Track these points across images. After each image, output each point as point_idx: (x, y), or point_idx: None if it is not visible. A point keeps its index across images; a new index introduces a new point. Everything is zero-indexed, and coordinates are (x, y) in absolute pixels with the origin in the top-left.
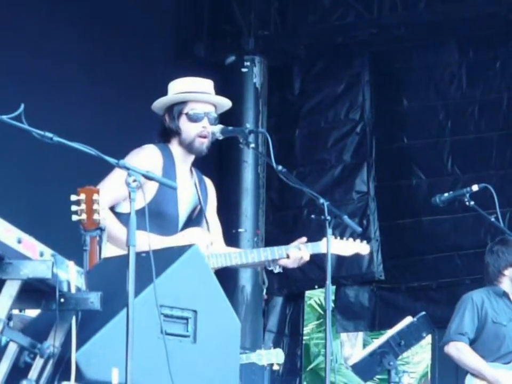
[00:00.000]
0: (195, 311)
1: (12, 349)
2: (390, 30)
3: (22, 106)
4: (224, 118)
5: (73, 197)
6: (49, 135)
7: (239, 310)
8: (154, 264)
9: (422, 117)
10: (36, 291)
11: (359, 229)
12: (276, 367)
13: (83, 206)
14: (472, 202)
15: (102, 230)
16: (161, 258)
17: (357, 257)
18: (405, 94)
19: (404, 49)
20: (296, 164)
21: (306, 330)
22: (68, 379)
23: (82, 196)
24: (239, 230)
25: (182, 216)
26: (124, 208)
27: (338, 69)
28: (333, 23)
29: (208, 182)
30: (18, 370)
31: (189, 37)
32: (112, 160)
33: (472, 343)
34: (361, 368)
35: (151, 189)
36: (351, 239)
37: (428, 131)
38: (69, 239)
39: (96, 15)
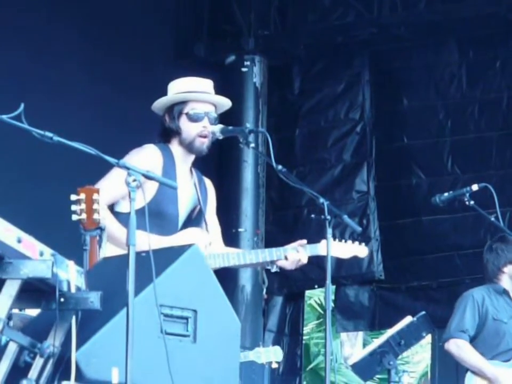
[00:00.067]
0: (195, 311)
1: (12, 349)
2: (390, 30)
3: (22, 105)
4: (224, 118)
5: (73, 197)
6: (49, 134)
7: (239, 309)
8: (154, 263)
9: (422, 117)
10: (35, 291)
11: (359, 229)
12: (274, 365)
13: (83, 206)
14: (472, 202)
15: (102, 229)
16: (161, 257)
17: (356, 258)
18: (405, 93)
19: (404, 49)
20: (296, 164)
21: (306, 329)
22: (68, 379)
23: (82, 196)
24: (239, 229)
25: (182, 216)
26: (123, 208)
27: (338, 69)
28: (333, 23)
29: (208, 183)
30: (18, 370)
31: (189, 37)
32: (112, 159)
33: (472, 340)
34: (361, 368)
35: (151, 188)
36: (349, 242)
37: (428, 131)
38: (68, 238)
39: (96, 15)
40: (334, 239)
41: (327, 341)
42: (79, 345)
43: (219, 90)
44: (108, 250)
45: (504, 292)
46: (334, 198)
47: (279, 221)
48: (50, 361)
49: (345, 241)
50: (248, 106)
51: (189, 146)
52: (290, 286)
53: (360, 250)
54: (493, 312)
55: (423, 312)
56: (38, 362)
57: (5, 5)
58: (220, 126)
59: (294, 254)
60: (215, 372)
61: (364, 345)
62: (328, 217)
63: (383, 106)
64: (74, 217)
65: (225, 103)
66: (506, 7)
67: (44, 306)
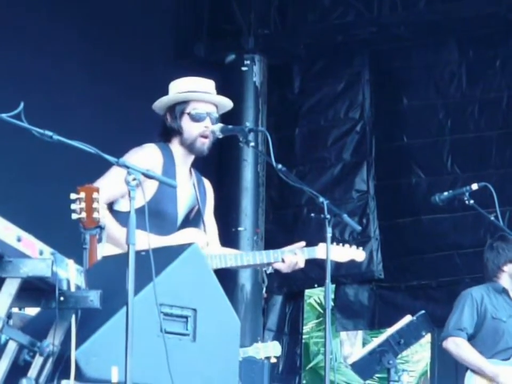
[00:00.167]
0: (195, 310)
1: (12, 347)
2: (390, 29)
3: (22, 104)
4: (224, 117)
5: (73, 195)
6: (49, 133)
7: (239, 308)
8: (154, 262)
9: (421, 116)
10: (35, 289)
11: (359, 228)
12: (273, 360)
13: (83, 205)
14: (471, 201)
15: (101, 228)
16: (161, 256)
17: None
18: (405, 93)
19: (404, 48)
20: (296, 163)
21: (305, 329)
22: (68, 377)
23: (82, 194)
24: (239, 228)
25: (181, 216)
26: (122, 207)
27: (338, 68)
28: (332, 22)
29: (207, 183)
30: (17, 369)
31: (189, 37)
32: (111, 158)
33: (471, 339)
34: (360, 367)
35: (151, 187)
36: (347, 246)
37: (427, 130)
38: (68, 237)
39: (96, 15)
40: (332, 242)
41: (326, 340)
42: (78, 344)
43: (219, 89)
44: (106, 249)
45: (504, 291)
46: (334, 197)
47: (278, 220)
48: (50, 360)
49: (343, 245)
50: (248, 106)
51: (190, 146)
52: (290, 285)
53: (357, 254)
54: (492, 311)
55: (423, 311)
56: (38, 361)
57: (5, 5)
58: (220, 125)
59: (291, 257)
60: (215, 371)
61: (364, 344)
62: (328, 216)
63: (383, 105)
64: (74, 216)
65: (227, 103)
66: (506, 7)
67: (43, 305)
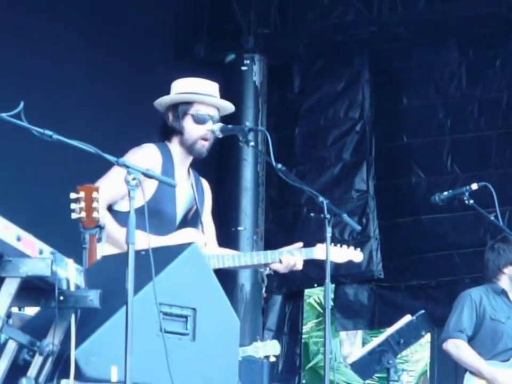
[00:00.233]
0: (194, 309)
1: (11, 347)
2: (390, 29)
3: (22, 104)
4: (224, 116)
5: (73, 195)
6: (49, 132)
7: (238, 308)
8: (154, 262)
9: (421, 116)
10: (35, 289)
11: (358, 228)
12: (272, 359)
13: (82, 204)
14: (471, 201)
15: (101, 227)
16: (161, 256)
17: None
18: (405, 92)
19: (404, 48)
20: (295, 162)
21: (305, 328)
22: (67, 377)
23: (82, 194)
24: (239, 228)
25: (179, 216)
26: (122, 207)
27: (338, 67)
28: (332, 22)
29: (205, 184)
30: (17, 368)
31: (188, 37)
32: (111, 158)
33: (470, 340)
34: (360, 367)
35: (150, 187)
36: (345, 246)
37: (427, 130)
38: (68, 237)
39: (96, 15)
40: (332, 242)
41: (326, 340)
42: (78, 344)
43: (219, 89)
44: (105, 250)
45: (502, 292)
46: (334, 197)
47: (278, 220)
48: (50, 360)
49: (341, 246)
50: (248, 105)
51: (190, 148)
52: (289, 284)
53: (355, 255)
54: (491, 312)
55: (422, 311)
56: (37, 360)
57: (5, 5)
58: (220, 124)
59: (289, 258)
60: (214, 371)
61: (363, 344)
62: (328, 216)
63: (383, 105)
64: (74, 215)
65: (229, 107)
66: (506, 7)
67: (43, 304)
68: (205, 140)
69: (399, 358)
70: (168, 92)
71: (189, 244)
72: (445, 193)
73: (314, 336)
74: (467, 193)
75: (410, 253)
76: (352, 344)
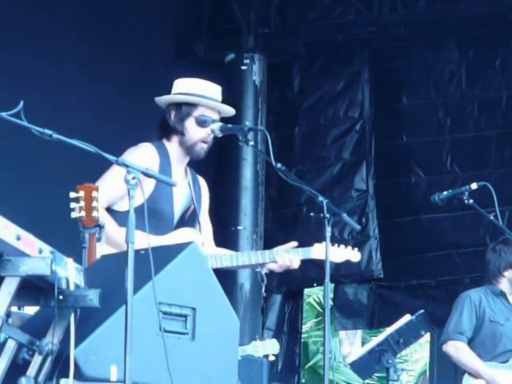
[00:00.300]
0: (194, 309)
1: (11, 346)
2: (390, 29)
3: (21, 103)
4: (223, 116)
5: (72, 194)
6: (49, 132)
7: (238, 307)
8: (153, 261)
9: (421, 115)
10: (34, 288)
11: (358, 227)
12: (271, 358)
13: (82, 203)
14: (471, 201)
15: (101, 227)
16: (160, 255)
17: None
18: (405, 92)
19: (404, 47)
20: (295, 162)
21: (305, 328)
22: (67, 376)
23: (81, 193)
24: (238, 227)
25: (177, 215)
26: (120, 206)
27: (338, 67)
28: (332, 21)
29: (202, 182)
30: (16, 367)
31: (188, 36)
32: (111, 157)
33: (470, 342)
34: (359, 366)
35: (147, 186)
36: (342, 246)
37: (427, 129)
38: (67, 236)
39: (96, 15)
40: (331, 241)
41: (325, 339)
42: (77, 343)
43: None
44: (104, 251)
45: (501, 294)
46: (333, 196)
47: (278, 219)
48: (49, 359)
49: (339, 245)
50: (247, 105)
51: (189, 148)
52: (289, 284)
53: (353, 254)
54: (490, 314)
55: (422, 311)
56: (37, 359)
57: (5, 5)
58: (219, 124)
59: (285, 257)
60: (214, 370)
61: (363, 343)
62: (327, 215)
63: (383, 104)
64: (73, 214)
65: (231, 112)
66: (506, 7)
67: (42, 303)
68: (205, 142)
69: (399, 357)
70: (168, 92)
71: (189, 243)
72: (445, 192)
73: (314, 336)
74: (467, 193)
75: (410, 252)
76: (352, 344)
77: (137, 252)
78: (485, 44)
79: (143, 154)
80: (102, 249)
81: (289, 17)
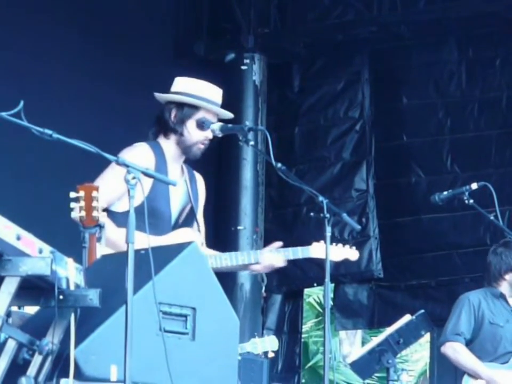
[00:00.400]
0: (194, 309)
1: (11, 346)
2: (390, 28)
3: (21, 103)
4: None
5: (73, 194)
6: (49, 131)
7: (238, 307)
8: (153, 261)
9: (421, 115)
10: (34, 288)
11: (358, 227)
12: (271, 355)
13: (82, 203)
14: (471, 201)
15: (101, 227)
16: (160, 255)
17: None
18: (405, 92)
19: (404, 47)
20: (295, 162)
21: (305, 328)
22: (67, 376)
23: (82, 193)
24: (238, 227)
25: (174, 215)
26: (118, 207)
27: (338, 67)
28: (332, 21)
29: (199, 178)
30: (17, 367)
31: (188, 36)
32: (111, 157)
33: (469, 344)
34: (360, 366)
35: (145, 186)
36: (340, 245)
37: (427, 129)
38: (68, 236)
39: (96, 15)
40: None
41: (326, 339)
42: (77, 343)
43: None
44: (104, 249)
45: (501, 296)
46: (333, 196)
47: (278, 219)
48: (49, 359)
49: (336, 244)
50: (247, 104)
51: (186, 149)
52: (289, 284)
53: (351, 253)
54: (489, 316)
55: (422, 311)
56: (37, 359)
57: (5, 5)
58: (220, 124)
59: (267, 257)
60: (214, 370)
61: (363, 343)
62: (327, 215)
63: (383, 104)
64: (74, 214)
65: (229, 116)
66: (506, 6)
67: (42, 303)
68: (203, 144)
69: (399, 357)
70: (168, 91)
71: (189, 243)
72: (445, 192)
73: (314, 336)
74: (467, 193)
75: (410, 252)
76: (352, 344)
77: (137, 251)
78: (485, 43)
79: (138, 154)
80: (103, 249)
81: (289, 17)
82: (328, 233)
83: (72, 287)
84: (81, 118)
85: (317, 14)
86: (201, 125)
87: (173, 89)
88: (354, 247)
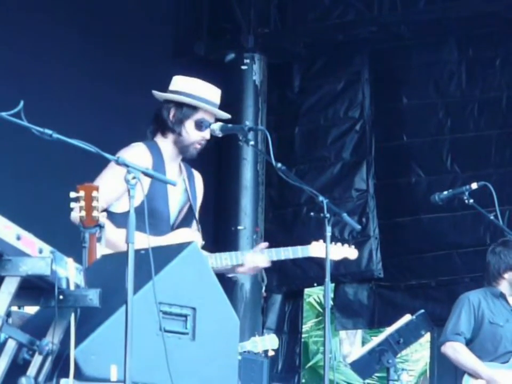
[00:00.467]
0: (194, 309)
1: (11, 346)
2: (390, 28)
3: (22, 103)
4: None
5: (73, 194)
6: (49, 131)
7: (238, 307)
8: (153, 261)
9: (421, 115)
10: (34, 288)
11: (358, 227)
12: (271, 353)
13: (82, 203)
14: (471, 200)
15: (101, 227)
16: (160, 255)
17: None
18: (405, 92)
19: (404, 47)
20: (295, 162)
21: (305, 328)
22: (67, 376)
23: (82, 193)
24: (238, 227)
25: (173, 214)
26: (117, 208)
27: (338, 67)
28: (333, 21)
29: (197, 176)
30: (17, 367)
31: (189, 35)
32: (111, 157)
33: (469, 344)
34: (360, 366)
35: (143, 186)
36: (339, 244)
37: (427, 129)
38: (68, 236)
39: (96, 14)
40: (324, 241)
41: (326, 339)
42: (78, 343)
43: (219, 88)
44: (104, 249)
45: (501, 295)
46: (333, 196)
47: (278, 219)
48: (49, 359)
49: (335, 243)
50: (247, 104)
51: (183, 148)
52: (289, 284)
53: (350, 252)
54: (489, 315)
55: (422, 311)
56: (37, 359)
57: (5, 5)
58: (220, 124)
59: (250, 259)
60: (214, 370)
61: (363, 343)
62: (328, 215)
63: (383, 104)
64: (74, 214)
65: (226, 117)
66: (506, 6)
67: (42, 303)
68: (200, 144)
69: (399, 357)
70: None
71: (189, 243)
72: (445, 192)
73: (314, 336)
74: (467, 193)
75: (410, 252)
76: (352, 344)
77: (137, 251)
78: (485, 43)
79: (135, 155)
80: (103, 249)
81: (289, 17)
82: (328, 233)
83: (72, 287)
84: (81, 118)
85: (317, 14)
86: (200, 125)
87: (171, 87)
88: (353, 246)
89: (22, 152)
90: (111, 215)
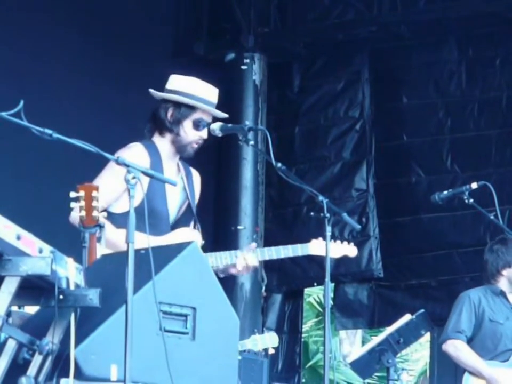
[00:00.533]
0: (194, 308)
1: (11, 346)
2: (390, 28)
3: (22, 103)
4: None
5: (73, 194)
6: (49, 131)
7: (238, 307)
8: (153, 261)
9: (421, 115)
10: (34, 288)
11: (358, 227)
12: (271, 351)
13: (82, 203)
14: (471, 200)
15: (101, 226)
16: (160, 255)
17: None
18: (405, 91)
19: (404, 47)
20: (295, 161)
21: (305, 327)
22: (67, 376)
23: (82, 193)
24: (238, 227)
25: (172, 213)
26: (117, 208)
27: (338, 67)
28: (332, 21)
29: (195, 174)
30: (17, 367)
31: (188, 35)
32: (111, 156)
33: (470, 341)
34: (360, 366)
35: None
36: (338, 241)
37: (427, 129)
38: (68, 235)
39: (96, 14)
40: (324, 238)
41: (326, 339)
42: (78, 342)
43: (219, 88)
44: (104, 249)
45: (501, 293)
46: (334, 196)
47: (278, 219)
48: (49, 359)
49: (335, 241)
50: (247, 104)
51: (180, 148)
52: (289, 283)
53: (350, 250)
54: (489, 313)
55: (422, 310)
56: (37, 359)
57: (5, 5)
58: (220, 123)
59: (242, 257)
60: (214, 370)
61: (363, 343)
62: (328, 215)
63: (383, 104)
64: (73, 214)
65: (223, 116)
66: (506, 6)
67: (42, 303)
68: (197, 144)
69: (399, 357)
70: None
71: (189, 243)
72: (445, 192)
73: (314, 335)
74: (467, 192)
75: (410, 252)
76: (352, 343)
77: (137, 251)
78: (485, 43)
79: (133, 155)
80: (103, 249)
81: (289, 17)
82: (328, 233)
83: (72, 287)
84: (81, 118)
85: (317, 14)
86: (198, 125)
87: (168, 86)
88: (352, 243)
89: (22, 152)
90: (111, 216)
